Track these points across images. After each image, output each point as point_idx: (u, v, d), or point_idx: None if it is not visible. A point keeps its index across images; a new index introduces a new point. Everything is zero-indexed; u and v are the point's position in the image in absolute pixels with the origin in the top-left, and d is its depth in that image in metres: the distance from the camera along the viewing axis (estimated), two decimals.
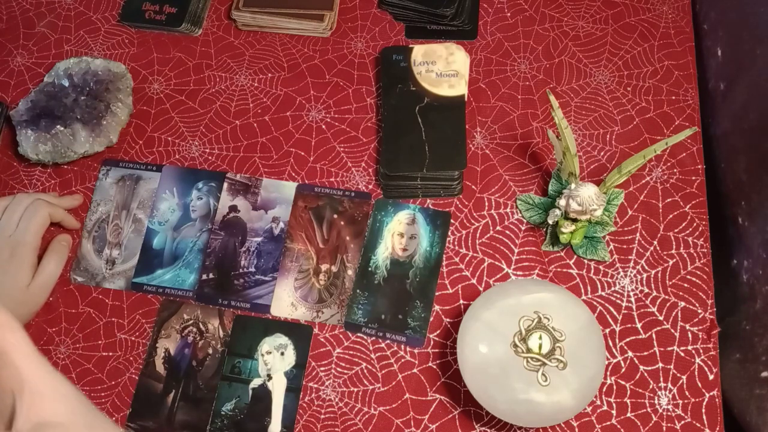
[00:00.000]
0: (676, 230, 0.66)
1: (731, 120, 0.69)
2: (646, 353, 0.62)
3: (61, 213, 0.68)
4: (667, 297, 0.64)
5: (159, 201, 0.71)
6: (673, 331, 0.63)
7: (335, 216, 0.69)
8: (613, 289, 0.65)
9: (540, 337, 0.55)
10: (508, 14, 0.78)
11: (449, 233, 0.67)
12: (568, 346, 0.55)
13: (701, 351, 0.62)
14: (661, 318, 0.63)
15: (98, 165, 0.73)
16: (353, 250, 0.67)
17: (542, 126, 0.72)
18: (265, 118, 0.74)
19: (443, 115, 0.70)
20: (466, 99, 0.71)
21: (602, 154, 0.70)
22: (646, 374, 0.61)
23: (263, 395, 0.62)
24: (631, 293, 0.64)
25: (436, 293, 0.65)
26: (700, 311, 0.63)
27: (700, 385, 0.61)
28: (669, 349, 0.62)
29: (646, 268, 0.65)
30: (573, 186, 0.62)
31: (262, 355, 0.64)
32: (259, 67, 0.77)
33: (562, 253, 0.66)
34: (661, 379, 0.61)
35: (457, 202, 0.69)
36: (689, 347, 0.62)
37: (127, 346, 0.65)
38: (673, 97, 0.72)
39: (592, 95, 0.73)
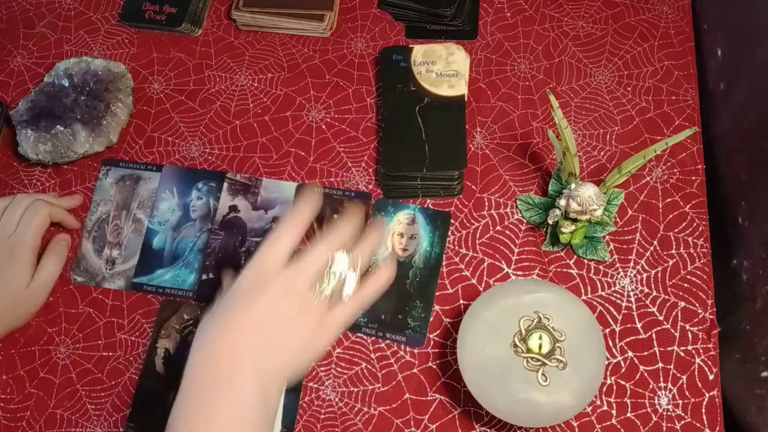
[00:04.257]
0: (676, 230, 0.66)
1: (731, 120, 0.69)
2: (646, 353, 0.62)
3: (61, 213, 0.68)
4: (667, 297, 0.64)
5: (159, 201, 0.71)
6: (673, 331, 0.63)
7: (335, 216, 0.69)
8: (613, 289, 0.65)
9: (540, 337, 0.55)
10: (508, 14, 0.78)
11: (449, 233, 0.67)
12: (568, 346, 0.55)
13: (701, 351, 0.62)
14: (661, 318, 0.63)
15: (98, 165, 0.73)
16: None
17: (542, 126, 0.72)
18: (265, 118, 0.74)
19: (443, 115, 0.70)
20: (466, 99, 0.71)
21: (602, 154, 0.70)
22: (646, 374, 0.61)
23: None
24: (631, 293, 0.64)
25: (436, 293, 0.65)
26: (700, 311, 0.63)
27: (700, 385, 0.61)
28: (669, 349, 0.62)
29: (646, 268, 0.65)
30: (573, 186, 0.62)
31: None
32: (259, 67, 0.77)
33: (562, 253, 0.66)
34: (661, 379, 0.61)
35: (457, 202, 0.69)
36: (689, 347, 0.62)
37: (127, 346, 0.65)
38: (673, 97, 0.72)
39: (592, 95, 0.73)
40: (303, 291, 0.50)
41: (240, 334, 0.48)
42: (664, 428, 0.59)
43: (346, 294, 0.52)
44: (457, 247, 0.67)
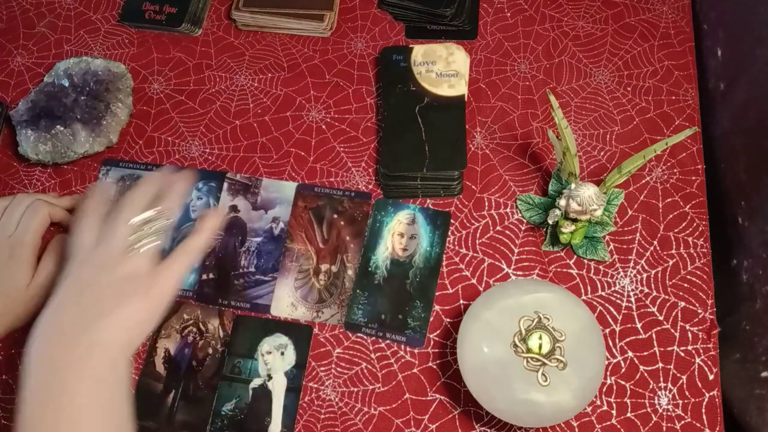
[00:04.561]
0: (676, 230, 0.66)
1: (731, 120, 0.69)
2: (646, 353, 0.62)
3: (61, 213, 0.68)
4: (667, 297, 0.64)
5: None
6: (673, 331, 0.63)
7: (335, 216, 0.69)
8: (613, 289, 0.65)
9: (540, 337, 0.55)
10: (508, 14, 0.78)
11: (449, 233, 0.67)
12: (568, 346, 0.55)
13: (701, 351, 0.62)
14: (661, 318, 0.63)
15: (98, 165, 0.73)
16: (353, 250, 0.67)
17: (542, 126, 0.72)
18: (265, 118, 0.74)
19: (443, 115, 0.70)
20: (466, 99, 0.71)
21: (602, 154, 0.70)
22: (646, 374, 0.61)
23: (263, 395, 0.62)
24: (631, 293, 0.64)
25: (436, 293, 0.65)
26: (700, 311, 0.63)
27: (700, 385, 0.61)
28: (669, 349, 0.62)
29: (646, 268, 0.65)
30: (573, 186, 0.62)
31: (262, 355, 0.64)
32: (259, 67, 0.77)
33: (562, 253, 0.66)
34: (661, 379, 0.61)
35: (457, 202, 0.69)
36: (689, 347, 0.62)
37: None
38: (673, 97, 0.72)
39: (592, 95, 0.73)
40: (118, 257, 0.52)
41: (66, 316, 0.50)
42: (664, 428, 0.59)
43: (160, 240, 0.55)
44: (457, 247, 0.67)
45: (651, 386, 0.61)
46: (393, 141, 0.69)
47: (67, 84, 0.73)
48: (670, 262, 0.65)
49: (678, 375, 0.61)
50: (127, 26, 0.81)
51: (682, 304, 0.63)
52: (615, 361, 0.62)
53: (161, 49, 0.79)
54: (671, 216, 0.67)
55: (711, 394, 0.60)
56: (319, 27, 0.77)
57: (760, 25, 0.63)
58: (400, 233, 0.68)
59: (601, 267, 0.65)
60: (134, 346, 0.51)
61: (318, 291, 0.66)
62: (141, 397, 0.63)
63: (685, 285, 0.64)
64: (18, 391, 0.47)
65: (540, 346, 0.55)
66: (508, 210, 0.68)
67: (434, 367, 0.63)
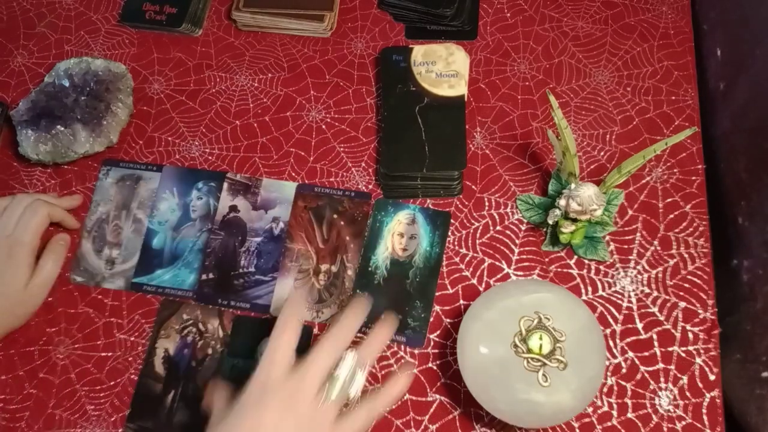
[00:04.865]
0: (676, 230, 0.66)
1: (731, 120, 0.69)
2: (646, 353, 0.62)
3: (60, 213, 0.68)
4: (667, 297, 0.64)
5: (159, 201, 0.71)
6: (673, 331, 0.62)
7: (335, 216, 0.69)
8: (613, 289, 0.64)
9: (540, 338, 0.55)
10: (508, 14, 0.78)
11: (449, 233, 0.67)
12: (569, 347, 0.55)
13: (702, 351, 0.62)
14: (661, 318, 0.63)
15: (98, 165, 0.73)
16: (353, 250, 0.67)
17: (542, 126, 0.72)
18: (265, 118, 0.74)
19: (443, 115, 0.70)
20: (466, 99, 0.71)
21: (602, 154, 0.70)
22: (646, 374, 0.61)
23: None
24: (632, 293, 0.64)
25: (436, 293, 0.65)
26: (700, 311, 0.63)
27: (700, 385, 0.61)
28: (670, 349, 0.62)
29: (647, 268, 0.65)
30: (573, 186, 0.62)
31: (262, 355, 0.63)
32: (259, 68, 0.77)
33: (562, 253, 0.66)
34: (662, 379, 0.61)
35: (457, 202, 0.69)
36: (690, 347, 0.62)
37: (127, 346, 0.65)
38: (673, 97, 0.72)
39: (592, 95, 0.73)
40: (309, 399, 0.49)
41: None
42: (665, 429, 0.59)
43: (354, 394, 0.51)
44: (457, 247, 0.67)
45: (651, 386, 0.61)
46: (393, 141, 0.69)
47: (67, 84, 0.73)
48: (671, 262, 0.65)
49: (679, 375, 0.61)
50: (127, 26, 0.81)
51: (683, 304, 0.63)
52: (616, 361, 0.62)
53: (161, 50, 0.79)
54: (671, 216, 0.67)
55: (712, 394, 0.60)
56: (319, 27, 0.77)
57: (760, 25, 0.63)
58: (400, 233, 0.68)
59: (601, 267, 0.65)
60: None
61: (318, 291, 0.66)
62: (140, 397, 0.63)
63: (686, 285, 0.64)
64: None
65: (540, 347, 0.55)
66: (508, 210, 0.68)
67: (434, 367, 0.63)
